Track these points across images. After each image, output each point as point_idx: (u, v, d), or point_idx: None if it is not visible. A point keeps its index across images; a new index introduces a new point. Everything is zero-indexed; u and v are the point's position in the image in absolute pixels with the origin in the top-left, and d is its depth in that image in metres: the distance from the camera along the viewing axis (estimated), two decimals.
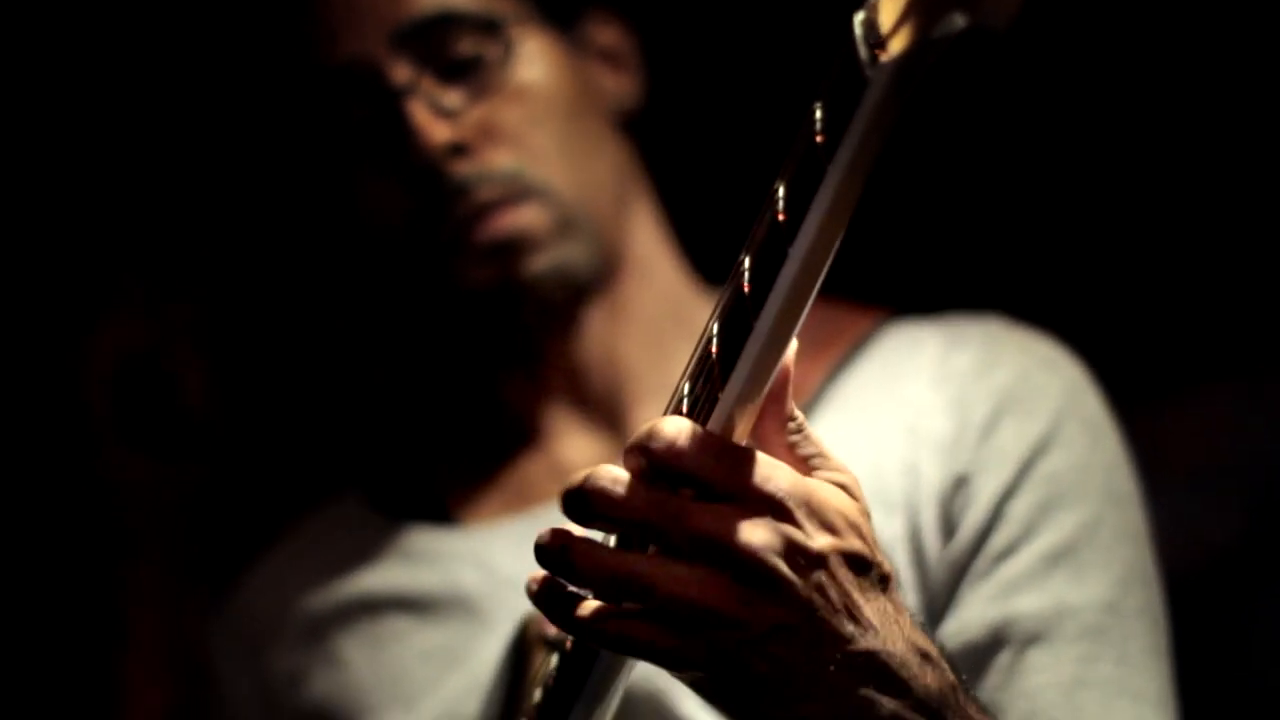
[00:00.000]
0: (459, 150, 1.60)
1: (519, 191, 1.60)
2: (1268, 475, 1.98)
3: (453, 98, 1.61)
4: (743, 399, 1.13)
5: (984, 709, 1.21)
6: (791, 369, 1.16)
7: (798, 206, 1.04)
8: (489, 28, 1.63)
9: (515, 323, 1.64)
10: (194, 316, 2.40)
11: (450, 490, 1.72)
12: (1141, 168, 2.05)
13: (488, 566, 1.61)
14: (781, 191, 1.06)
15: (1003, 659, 1.44)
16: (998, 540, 1.48)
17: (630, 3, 1.75)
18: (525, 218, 1.60)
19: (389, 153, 1.62)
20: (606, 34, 1.70)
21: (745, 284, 1.11)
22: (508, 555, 1.59)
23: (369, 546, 1.70)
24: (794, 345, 1.14)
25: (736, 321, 1.11)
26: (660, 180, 1.73)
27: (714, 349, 1.13)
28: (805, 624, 1.12)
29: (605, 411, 1.68)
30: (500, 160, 1.61)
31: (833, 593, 1.13)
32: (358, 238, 1.69)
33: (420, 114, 1.60)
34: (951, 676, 1.19)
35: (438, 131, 1.60)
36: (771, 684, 1.13)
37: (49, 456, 2.38)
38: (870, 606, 1.15)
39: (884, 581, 1.17)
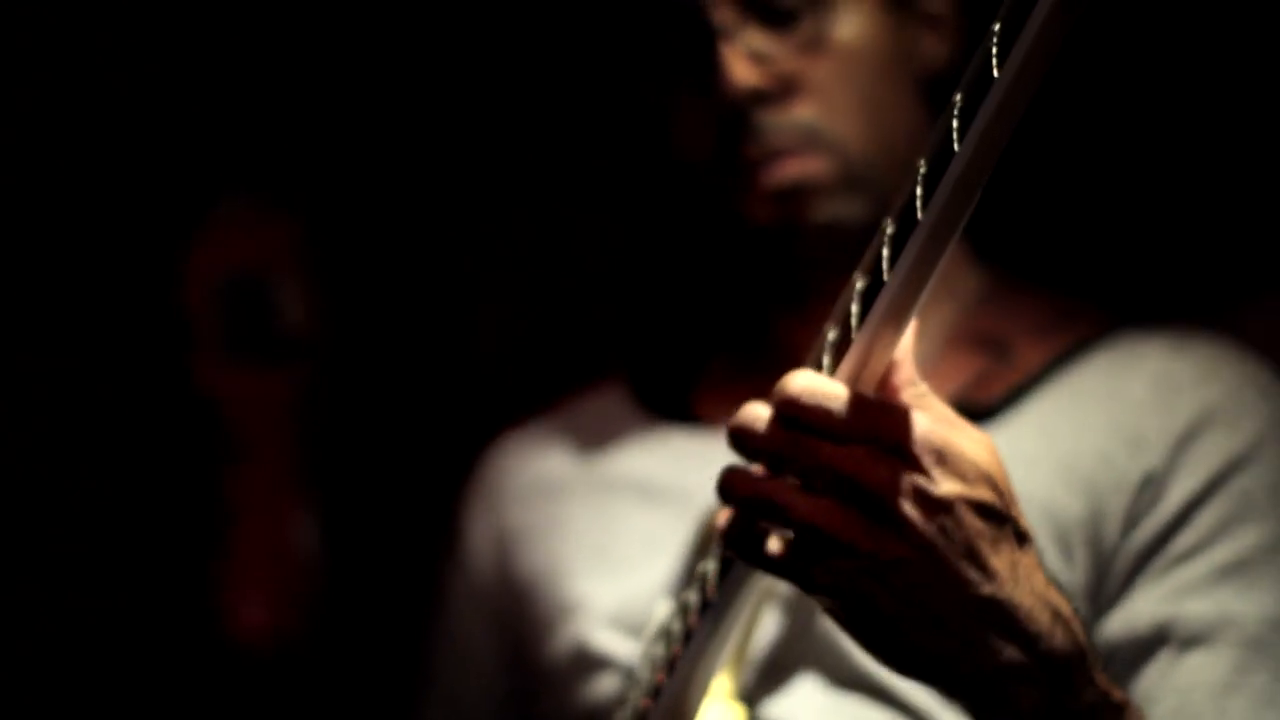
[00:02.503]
0: (764, 96, 1.64)
1: (811, 143, 1.64)
2: None
3: (769, 45, 1.65)
4: (879, 342, 1.22)
5: (1111, 681, 1.28)
6: (914, 335, 1.25)
7: (963, 128, 1.12)
8: None
9: (790, 262, 1.69)
10: (299, 233, 2.43)
11: (704, 395, 1.79)
12: (1193, 83, 2.08)
13: (716, 465, 1.67)
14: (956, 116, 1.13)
15: (1163, 655, 1.50)
16: (1179, 544, 1.53)
17: None
18: (812, 167, 1.64)
19: (700, 87, 1.66)
20: (936, 1, 1.72)
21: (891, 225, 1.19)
22: (734, 459, 1.65)
23: (617, 430, 1.79)
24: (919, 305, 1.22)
25: (886, 255, 1.20)
26: None
27: (856, 290, 1.23)
28: (925, 561, 1.20)
29: None
30: (801, 112, 1.64)
31: (957, 537, 1.21)
32: (661, 157, 1.73)
33: (734, 56, 1.64)
34: (1083, 640, 1.26)
35: (749, 75, 1.63)
36: (894, 616, 1.22)
37: (155, 367, 2.40)
38: (998, 557, 1.23)
39: (1020, 538, 1.25)
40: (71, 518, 2.36)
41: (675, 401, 1.79)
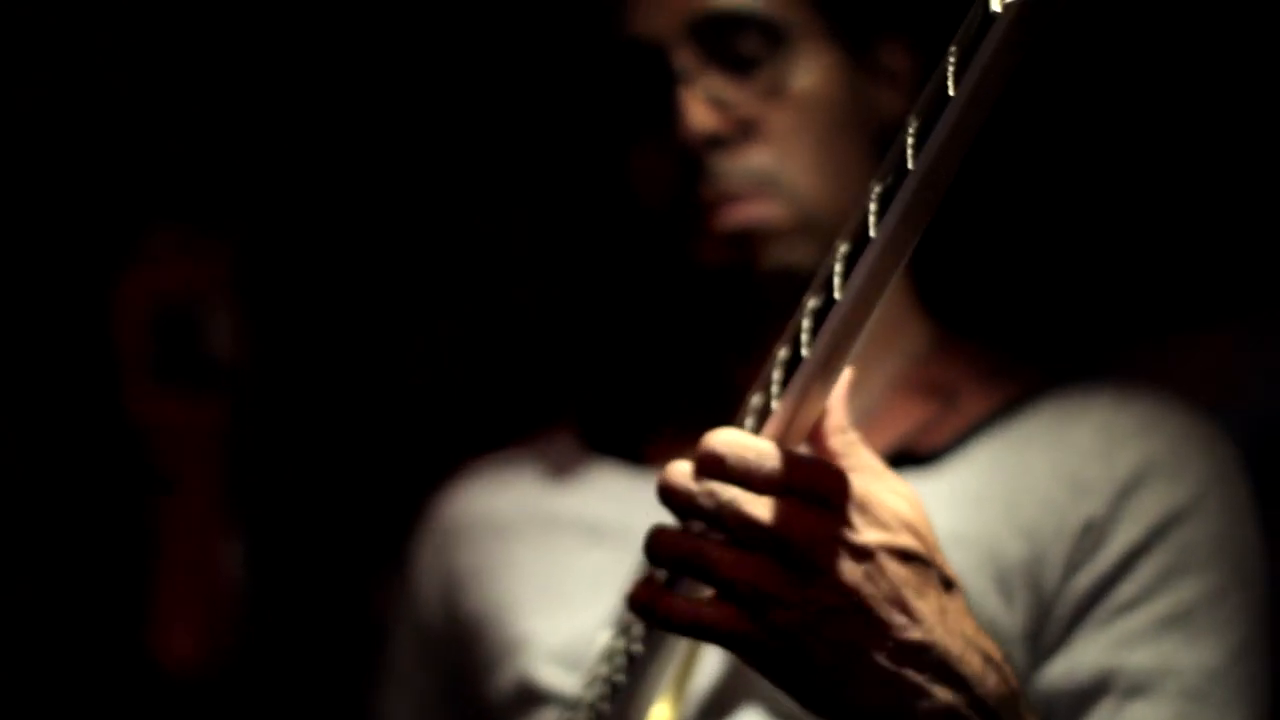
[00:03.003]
0: (722, 141, 1.66)
1: (765, 188, 1.66)
2: (1261, 422, 2.01)
3: (729, 91, 1.66)
4: (817, 381, 1.27)
5: None
6: (848, 383, 1.30)
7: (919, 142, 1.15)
8: (775, 32, 1.67)
9: (743, 306, 1.71)
10: (229, 261, 2.43)
11: (652, 439, 1.80)
12: (1137, 117, 2.10)
13: (660, 508, 1.70)
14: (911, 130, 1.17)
15: (1105, 705, 1.52)
16: (1121, 594, 1.55)
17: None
18: (766, 212, 1.66)
19: (660, 132, 1.67)
20: (895, 58, 1.74)
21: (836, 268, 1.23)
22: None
23: (566, 473, 1.80)
24: (847, 372, 1.28)
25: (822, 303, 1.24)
26: None
27: (801, 325, 1.27)
28: (853, 609, 1.24)
29: None
30: (757, 158, 1.67)
31: (882, 584, 1.25)
32: (617, 198, 1.75)
33: (692, 101, 1.65)
34: (1014, 684, 1.30)
35: (707, 120, 1.65)
36: (829, 667, 1.25)
37: (83, 396, 2.40)
38: (925, 602, 1.26)
39: (945, 584, 1.29)
40: None
41: (624, 445, 1.80)
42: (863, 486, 1.26)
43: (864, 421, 1.56)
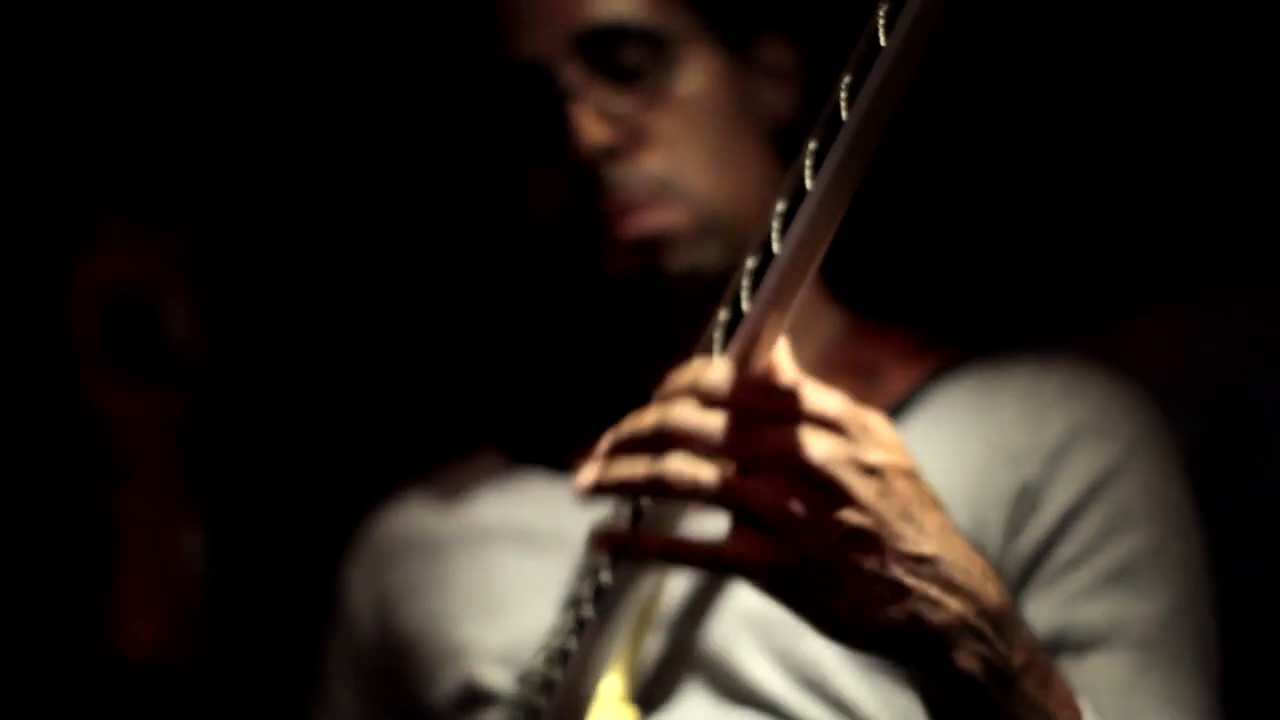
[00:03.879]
0: (615, 152, 1.68)
1: (663, 194, 1.69)
2: (1224, 390, 2.03)
3: (617, 103, 1.69)
4: (761, 335, 1.29)
5: (1037, 641, 1.36)
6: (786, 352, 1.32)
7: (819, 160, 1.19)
8: (657, 41, 1.70)
9: (653, 312, 1.73)
10: (182, 248, 2.43)
11: (576, 446, 1.79)
12: (1103, 86, 2.12)
13: (589, 511, 1.70)
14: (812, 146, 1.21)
15: (1061, 661, 1.53)
16: (1063, 554, 1.58)
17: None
18: (667, 218, 1.69)
19: (551, 148, 1.70)
20: (775, 53, 1.77)
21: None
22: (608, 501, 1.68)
23: (493, 486, 1.82)
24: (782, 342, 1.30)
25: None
26: None
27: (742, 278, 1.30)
28: (875, 526, 1.27)
29: None
30: (651, 164, 1.69)
31: (893, 498, 1.28)
32: (517, 217, 1.77)
33: (583, 115, 1.68)
34: (1007, 595, 1.33)
35: (597, 133, 1.68)
36: (853, 588, 1.27)
37: (37, 385, 2.40)
38: (929, 517, 1.30)
39: (937, 504, 1.32)
40: None
41: (548, 454, 1.82)
42: (858, 412, 1.29)
43: None
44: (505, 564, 1.75)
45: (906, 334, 1.77)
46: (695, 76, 1.71)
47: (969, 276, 2.16)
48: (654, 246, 1.69)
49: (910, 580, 1.27)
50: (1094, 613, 1.55)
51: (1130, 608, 1.56)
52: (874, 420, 1.30)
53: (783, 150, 1.76)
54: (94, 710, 2.38)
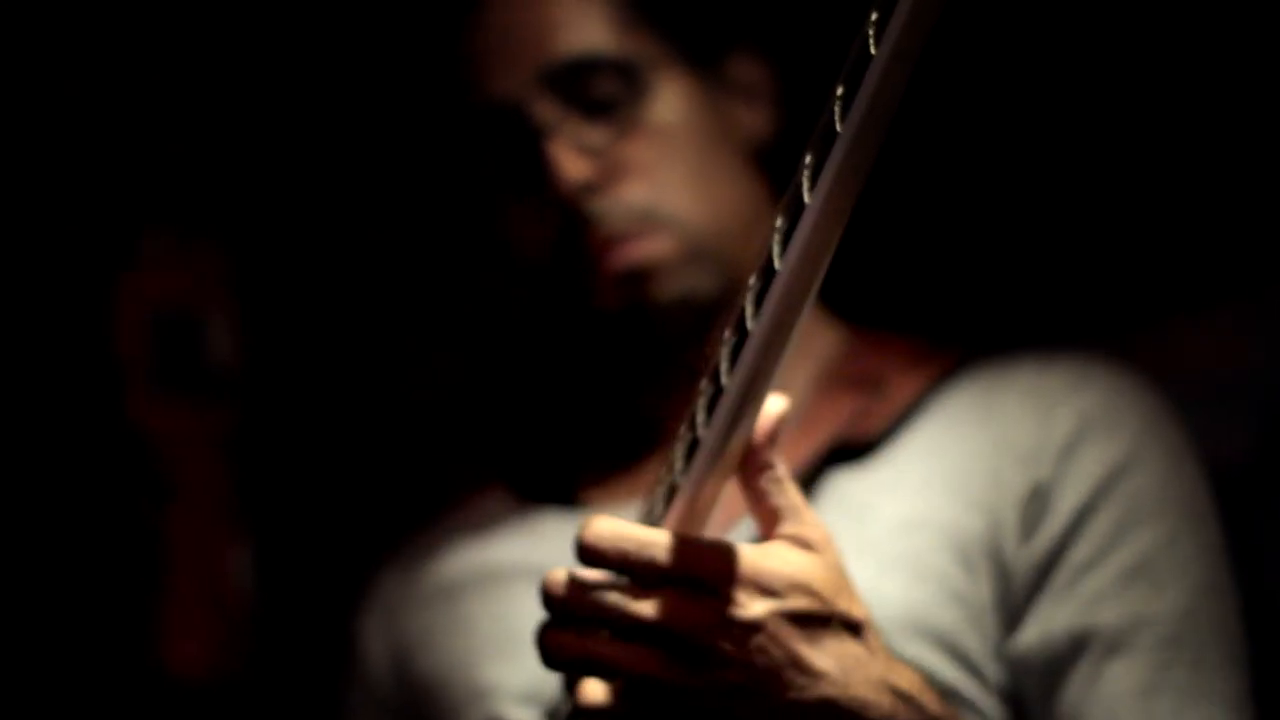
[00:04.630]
0: (595, 186, 1.67)
1: (648, 224, 1.68)
2: (1273, 393, 2.03)
3: (593, 136, 1.68)
4: (719, 449, 1.29)
5: None
6: (778, 419, 1.31)
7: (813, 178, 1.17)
8: (628, 71, 1.69)
9: (647, 343, 1.72)
10: (226, 265, 2.44)
11: (582, 481, 1.81)
12: (1143, 88, 2.10)
13: None
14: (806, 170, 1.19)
15: (1083, 668, 1.53)
16: (1078, 554, 1.56)
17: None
18: (654, 247, 1.68)
19: (531, 186, 1.69)
20: (747, 71, 1.76)
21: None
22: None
23: (503, 526, 1.81)
24: (777, 401, 1.30)
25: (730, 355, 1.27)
26: None
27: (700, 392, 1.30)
28: (754, 683, 1.27)
29: None
30: (632, 195, 1.68)
31: (776, 652, 1.27)
32: (503, 258, 1.77)
33: (560, 152, 1.67)
34: (935, 709, 1.33)
35: (576, 169, 1.67)
36: None
37: (84, 404, 2.41)
38: (824, 657, 1.29)
39: (852, 629, 1.31)
40: (6, 553, 2.36)
41: (557, 491, 1.81)
42: (750, 561, 1.28)
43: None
44: (523, 604, 1.69)
45: (906, 342, 1.76)
46: (669, 102, 1.70)
47: (966, 284, 2.15)
48: (642, 278, 1.68)
49: None
50: (1114, 614, 1.54)
51: (1150, 605, 1.54)
52: (768, 563, 1.28)
53: (763, 168, 1.76)
54: None
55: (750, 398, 1.26)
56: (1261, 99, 2.07)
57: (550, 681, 1.61)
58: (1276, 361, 2.05)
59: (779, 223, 1.21)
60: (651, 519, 1.36)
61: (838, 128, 1.14)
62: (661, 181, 1.68)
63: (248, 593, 2.44)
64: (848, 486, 1.62)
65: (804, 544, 1.31)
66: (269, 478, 2.45)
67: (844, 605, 1.30)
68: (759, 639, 1.27)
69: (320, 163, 2.45)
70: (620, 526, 1.28)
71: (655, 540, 1.27)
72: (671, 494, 1.33)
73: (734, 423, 1.28)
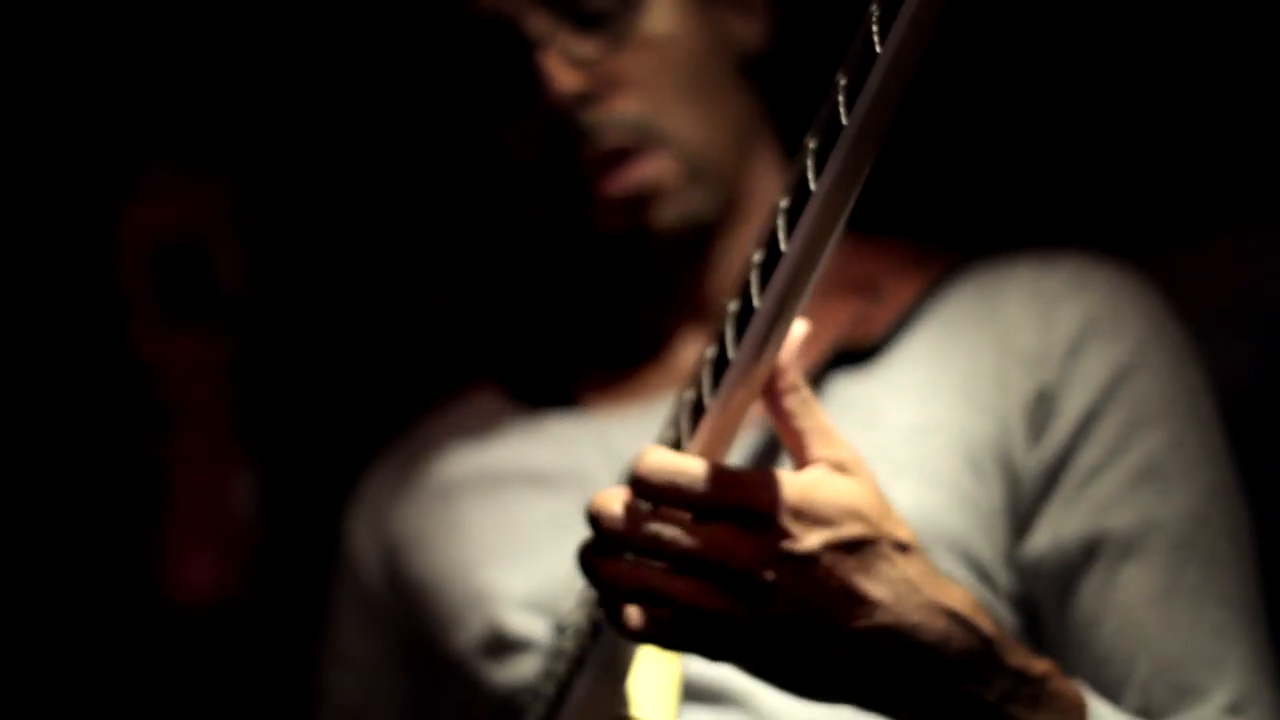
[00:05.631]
0: (588, 98, 1.65)
1: (645, 139, 1.66)
2: (1274, 318, 2.04)
3: (586, 48, 1.66)
4: (748, 369, 1.26)
5: (1031, 653, 1.32)
6: (799, 342, 1.29)
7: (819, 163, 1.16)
8: None
9: (646, 262, 1.71)
10: (228, 194, 2.44)
11: (579, 383, 1.80)
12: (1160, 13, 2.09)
13: (606, 447, 1.69)
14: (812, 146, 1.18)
15: (1096, 573, 1.52)
16: (1086, 457, 1.56)
17: None
18: (653, 169, 1.66)
19: (525, 99, 1.67)
20: None
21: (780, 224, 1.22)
22: (624, 437, 1.67)
23: (500, 427, 1.79)
24: (799, 325, 1.28)
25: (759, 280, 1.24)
26: (785, 124, 1.76)
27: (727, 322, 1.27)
28: (808, 615, 1.25)
29: None
30: (627, 107, 1.66)
31: (831, 583, 1.25)
32: (500, 172, 1.76)
33: (553, 64, 1.65)
34: (988, 630, 1.30)
35: (569, 80, 1.65)
36: (800, 665, 1.27)
37: (87, 333, 2.41)
38: (878, 584, 1.26)
39: (901, 549, 1.28)
40: (8, 483, 2.37)
41: (553, 391, 1.80)
42: (798, 492, 1.25)
43: None
44: (523, 506, 1.73)
45: (901, 245, 1.74)
46: (662, 15, 1.68)
47: (963, 206, 2.14)
48: (643, 201, 1.66)
49: (858, 656, 1.27)
50: (1125, 517, 1.53)
51: (1161, 506, 1.53)
52: (819, 492, 1.26)
53: (755, 82, 1.74)
54: (147, 654, 2.40)
55: (780, 319, 1.24)
56: (1263, 23, 2.06)
57: (552, 589, 1.62)
58: (1277, 287, 2.05)
59: (812, 142, 1.19)
60: (676, 437, 1.34)
61: (877, 49, 1.12)
62: (656, 94, 1.67)
63: (251, 519, 2.45)
64: (852, 391, 1.61)
65: (842, 468, 1.28)
66: (272, 405, 2.45)
67: (890, 527, 1.28)
68: (814, 571, 1.24)
69: (320, 88, 2.44)
70: (675, 459, 1.26)
71: (709, 473, 1.25)
72: (698, 413, 1.31)
73: (764, 344, 1.26)
